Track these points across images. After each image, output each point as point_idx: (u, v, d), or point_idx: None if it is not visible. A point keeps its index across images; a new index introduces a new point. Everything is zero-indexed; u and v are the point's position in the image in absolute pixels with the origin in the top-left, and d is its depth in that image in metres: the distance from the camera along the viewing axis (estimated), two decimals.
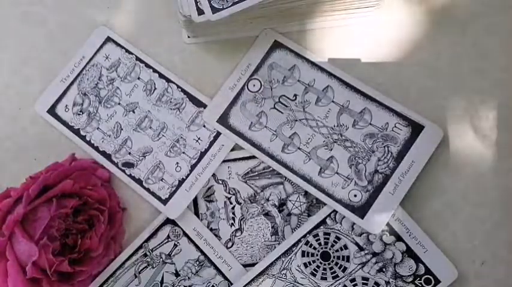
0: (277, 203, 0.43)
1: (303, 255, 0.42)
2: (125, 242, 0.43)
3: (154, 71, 0.45)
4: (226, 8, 0.38)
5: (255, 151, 0.43)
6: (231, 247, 0.43)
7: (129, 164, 0.44)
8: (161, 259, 0.43)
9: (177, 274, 0.42)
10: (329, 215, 0.42)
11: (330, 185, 0.41)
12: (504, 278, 0.41)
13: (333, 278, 0.41)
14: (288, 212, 0.43)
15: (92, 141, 0.44)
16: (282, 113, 0.43)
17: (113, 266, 0.43)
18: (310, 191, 0.42)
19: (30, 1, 0.47)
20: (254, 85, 0.44)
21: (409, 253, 0.41)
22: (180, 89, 0.45)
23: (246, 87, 0.44)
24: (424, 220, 0.41)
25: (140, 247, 0.43)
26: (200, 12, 0.39)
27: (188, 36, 0.45)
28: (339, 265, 0.41)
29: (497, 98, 0.43)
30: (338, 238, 0.42)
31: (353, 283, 0.41)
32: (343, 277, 0.41)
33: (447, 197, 0.42)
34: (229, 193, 0.43)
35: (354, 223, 0.41)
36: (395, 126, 0.42)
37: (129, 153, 0.44)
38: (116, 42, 0.46)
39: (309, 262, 0.42)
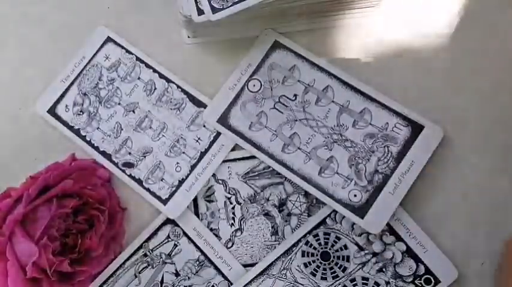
0: (277, 203, 0.43)
1: (303, 255, 0.42)
2: (125, 242, 0.43)
3: (154, 71, 0.45)
4: (227, 7, 0.38)
5: (255, 151, 0.43)
6: (231, 247, 0.43)
7: (129, 164, 0.44)
8: (161, 259, 0.43)
9: (177, 274, 0.42)
10: (329, 215, 0.42)
11: (330, 185, 0.41)
12: None
13: (333, 278, 0.41)
14: (288, 212, 0.43)
15: (92, 142, 0.44)
16: (282, 113, 0.43)
17: (113, 266, 0.43)
18: (310, 191, 0.42)
19: (30, 1, 0.47)
20: (254, 85, 0.44)
21: (409, 253, 0.41)
22: (180, 89, 0.45)
23: (246, 87, 0.44)
24: (424, 220, 0.41)
25: (140, 247, 0.43)
26: (200, 12, 0.39)
27: (188, 36, 0.45)
28: (339, 265, 0.41)
29: (497, 98, 0.43)
30: (338, 238, 0.42)
31: (353, 283, 0.41)
32: (343, 277, 0.41)
33: (447, 197, 0.42)
34: (229, 193, 0.43)
35: (354, 223, 0.41)
36: (395, 126, 0.42)
37: (129, 153, 0.44)
38: (116, 42, 0.46)
39: (309, 262, 0.42)
